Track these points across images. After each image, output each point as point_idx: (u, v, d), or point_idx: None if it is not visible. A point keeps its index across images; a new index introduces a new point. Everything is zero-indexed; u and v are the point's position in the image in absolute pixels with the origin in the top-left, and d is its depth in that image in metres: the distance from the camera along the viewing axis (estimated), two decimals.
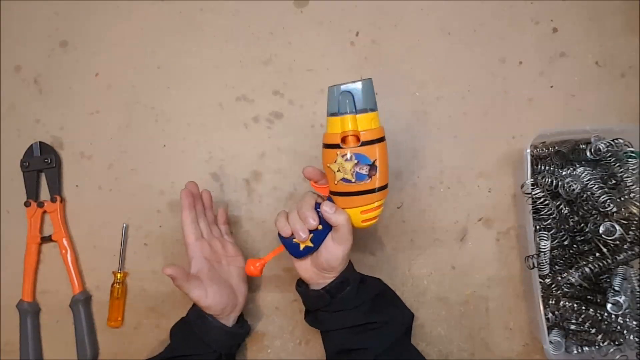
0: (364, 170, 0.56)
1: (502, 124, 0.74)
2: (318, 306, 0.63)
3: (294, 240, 0.59)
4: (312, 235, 0.59)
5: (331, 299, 0.61)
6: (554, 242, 0.67)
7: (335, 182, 0.57)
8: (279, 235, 0.60)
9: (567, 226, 0.67)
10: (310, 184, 0.62)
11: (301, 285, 0.65)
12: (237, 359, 0.73)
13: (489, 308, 0.73)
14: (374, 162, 0.56)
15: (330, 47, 0.76)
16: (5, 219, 0.78)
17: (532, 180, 0.65)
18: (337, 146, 0.56)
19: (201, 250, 0.66)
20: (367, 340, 0.61)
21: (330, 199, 0.59)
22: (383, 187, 0.58)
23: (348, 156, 0.55)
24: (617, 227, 0.62)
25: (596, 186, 0.63)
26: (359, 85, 0.55)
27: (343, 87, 0.55)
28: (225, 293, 0.65)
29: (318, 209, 0.59)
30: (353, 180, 0.56)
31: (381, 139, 0.57)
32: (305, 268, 0.62)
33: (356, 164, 0.55)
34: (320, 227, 0.59)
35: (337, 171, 0.56)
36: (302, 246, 0.59)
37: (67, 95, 0.79)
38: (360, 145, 0.55)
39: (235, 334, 0.66)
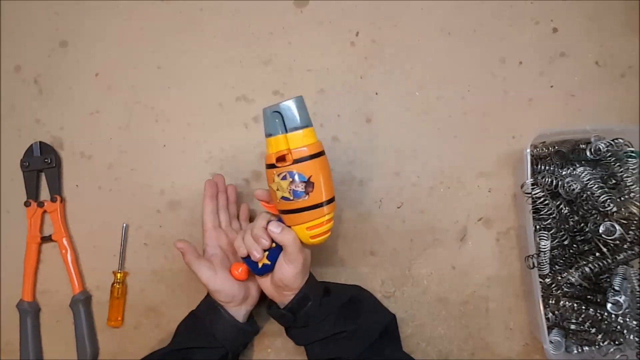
0: (300, 188, 0.56)
1: (502, 124, 0.74)
2: (286, 324, 0.64)
3: (252, 259, 0.61)
4: (267, 253, 0.60)
5: (294, 316, 0.62)
6: (554, 242, 0.67)
7: (277, 201, 0.58)
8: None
9: (567, 226, 0.67)
10: (262, 204, 0.62)
11: (270, 307, 0.65)
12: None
13: (489, 308, 0.73)
14: (309, 178, 0.56)
15: (330, 47, 0.76)
16: (5, 219, 0.78)
17: (532, 180, 0.65)
18: (273, 166, 0.57)
19: (217, 238, 0.67)
20: (339, 349, 0.61)
21: (280, 219, 0.60)
22: (326, 202, 0.58)
23: (283, 175, 0.56)
24: (617, 227, 0.62)
25: (596, 186, 0.63)
26: (288, 105, 0.55)
27: (273, 108, 0.55)
28: (235, 281, 0.65)
29: None
30: (291, 198, 0.57)
31: (317, 155, 0.57)
32: (267, 286, 0.63)
33: (291, 182, 0.56)
34: (274, 245, 0.60)
35: (277, 190, 0.57)
36: (260, 264, 0.61)
37: (67, 95, 0.79)
38: (293, 164, 0.56)
39: (244, 331, 0.66)
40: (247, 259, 0.61)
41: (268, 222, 0.60)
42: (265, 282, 0.63)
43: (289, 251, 0.59)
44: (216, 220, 0.68)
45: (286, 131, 0.56)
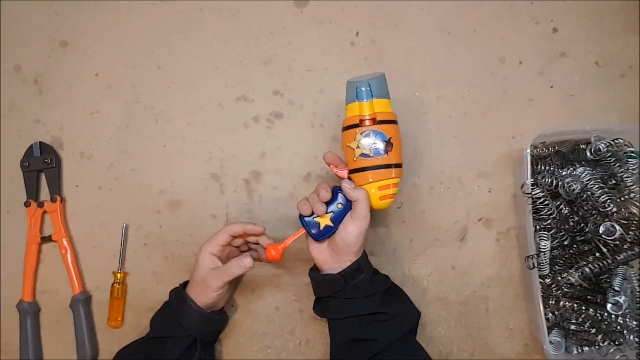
0: (381, 146, 0.61)
1: (502, 124, 0.74)
2: (330, 292, 0.64)
3: (315, 219, 0.63)
4: (332, 213, 0.63)
5: (345, 284, 0.62)
6: (554, 242, 0.67)
7: (355, 159, 0.63)
8: (300, 217, 0.64)
9: (567, 226, 0.67)
10: (331, 168, 0.65)
11: (314, 271, 0.66)
12: (237, 359, 0.73)
13: (489, 308, 0.73)
14: (390, 139, 0.62)
15: (330, 47, 0.76)
16: (5, 219, 0.78)
17: (532, 180, 0.65)
18: (356, 125, 0.62)
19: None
20: (376, 331, 0.61)
21: (349, 179, 0.64)
22: (398, 165, 0.63)
23: (367, 133, 0.62)
24: (617, 227, 0.62)
25: (596, 186, 0.63)
26: (375, 78, 0.63)
27: (361, 79, 0.63)
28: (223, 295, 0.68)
29: (338, 192, 0.63)
30: (371, 155, 0.62)
31: (395, 122, 0.63)
32: (320, 251, 0.64)
33: (374, 140, 0.62)
34: (340, 206, 0.63)
35: (357, 148, 0.62)
36: (322, 225, 0.63)
37: (67, 95, 0.79)
38: (377, 124, 0.62)
39: (211, 320, 0.67)
40: (308, 220, 0.63)
41: (335, 186, 0.63)
42: (321, 247, 0.64)
43: (360, 206, 0.61)
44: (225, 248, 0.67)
45: (372, 97, 0.62)
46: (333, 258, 0.63)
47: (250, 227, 0.66)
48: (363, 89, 0.62)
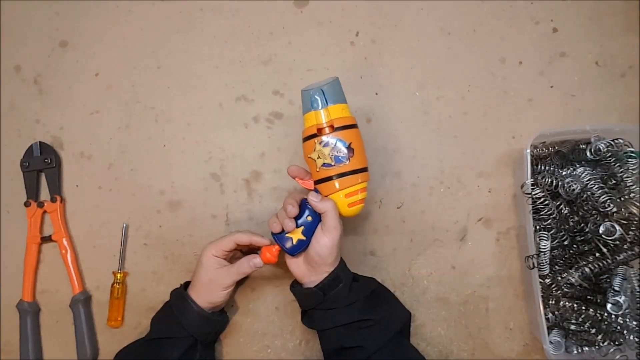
0: (342, 153, 0.60)
1: (502, 124, 0.74)
2: (312, 305, 0.64)
3: (286, 235, 0.63)
4: (303, 227, 0.62)
5: (324, 296, 0.62)
6: (554, 242, 0.67)
7: (317, 170, 0.61)
8: (272, 234, 0.64)
9: (567, 226, 0.67)
10: (296, 181, 0.64)
11: (295, 286, 0.66)
12: (237, 359, 0.73)
13: (489, 308, 0.73)
14: (350, 144, 0.61)
15: (330, 47, 0.76)
16: (5, 219, 0.78)
17: (532, 180, 0.65)
18: (314, 136, 0.61)
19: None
20: (361, 338, 0.61)
21: (316, 191, 0.63)
22: (363, 170, 0.62)
23: (325, 142, 0.60)
24: (617, 227, 0.62)
25: (596, 186, 0.63)
26: (327, 84, 0.61)
27: (314, 87, 0.61)
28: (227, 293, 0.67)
29: (306, 204, 0.62)
30: (333, 163, 0.61)
31: (355, 125, 0.62)
32: (297, 265, 0.64)
33: (333, 148, 0.60)
34: (309, 218, 0.62)
35: (317, 158, 0.61)
36: (294, 239, 0.62)
37: (67, 95, 0.79)
38: (335, 131, 0.60)
39: (212, 320, 0.67)
40: (280, 237, 0.63)
41: (303, 198, 0.63)
42: (298, 261, 0.64)
43: (329, 218, 0.61)
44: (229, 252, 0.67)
45: (327, 105, 0.61)
46: (310, 271, 0.63)
47: (256, 239, 0.65)
48: (317, 97, 0.61)
